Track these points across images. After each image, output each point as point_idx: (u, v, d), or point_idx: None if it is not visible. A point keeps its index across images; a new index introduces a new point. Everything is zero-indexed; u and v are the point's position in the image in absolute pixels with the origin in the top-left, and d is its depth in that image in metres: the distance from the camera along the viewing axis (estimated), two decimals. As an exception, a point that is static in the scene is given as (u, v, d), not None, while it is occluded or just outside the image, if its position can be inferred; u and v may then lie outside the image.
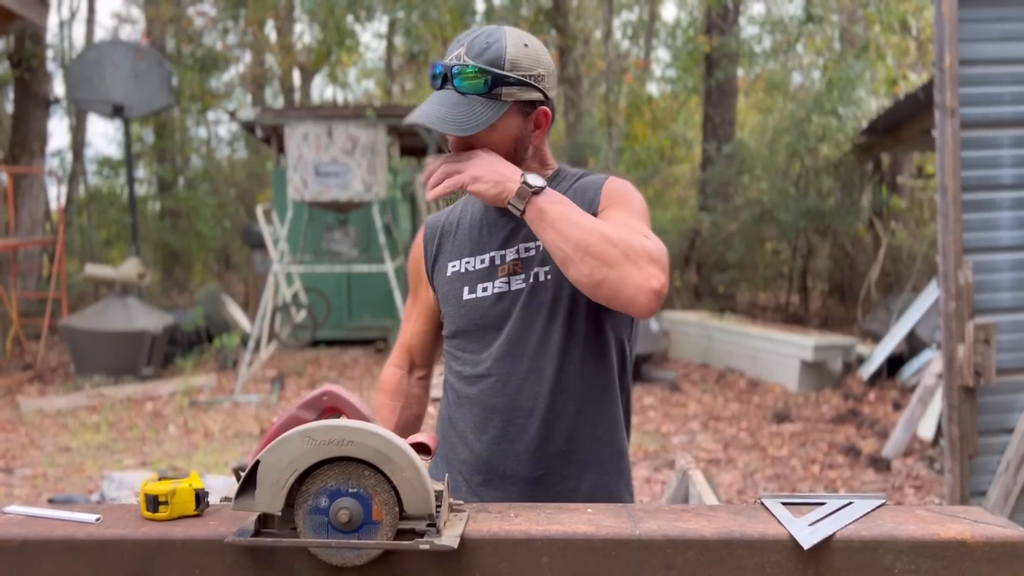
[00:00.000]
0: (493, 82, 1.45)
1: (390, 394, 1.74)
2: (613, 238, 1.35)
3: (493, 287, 1.56)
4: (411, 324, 1.75)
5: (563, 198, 1.43)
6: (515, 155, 1.52)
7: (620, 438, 1.62)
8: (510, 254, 1.57)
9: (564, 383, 1.53)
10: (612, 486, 1.59)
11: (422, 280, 1.70)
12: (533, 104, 1.51)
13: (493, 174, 1.41)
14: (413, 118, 1.45)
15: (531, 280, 1.54)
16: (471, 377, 1.58)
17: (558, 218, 1.38)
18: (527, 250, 1.55)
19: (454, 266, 1.62)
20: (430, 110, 1.45)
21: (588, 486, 1.55)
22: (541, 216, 1.39)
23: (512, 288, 1.55)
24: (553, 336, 1.52)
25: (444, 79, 1.47)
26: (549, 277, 1.53)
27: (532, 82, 1.48)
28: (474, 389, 1.57)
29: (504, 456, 1.54)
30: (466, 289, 1.58)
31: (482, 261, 1.59)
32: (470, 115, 1.44)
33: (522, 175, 1.41)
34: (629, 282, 1.33)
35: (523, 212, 1.40)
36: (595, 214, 1.51)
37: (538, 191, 1.40)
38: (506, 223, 1.59)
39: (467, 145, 1.48)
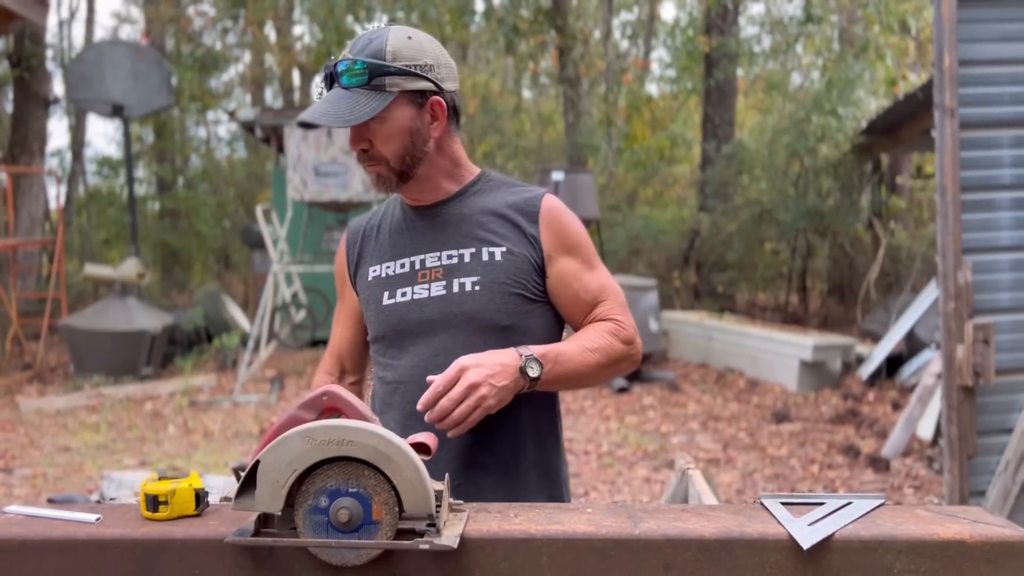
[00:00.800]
0: (373, 72, 1.45)
1: None
2: (603, 361, 1.52)
3: (413, 292, 1.55)
4: (340, 329, 1.73)
5: (557, 355, 1.46)
6: (413, 148, 1.51)
7: (544, 450, 1.60)
8: (431, 260, 1.56)
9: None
10: (527, 499, 1.54)
11: (347, 285, 1.69)
12: (424, 95, 1.50)
13: (502, 387, 1.39)
14: (300, 117, 1.47)
15: (454, 288, 1.52)
16: (393, 383, 1.57)
17: (564, 378, 1.48)
18: (450, 258, 1.54)
19: (375, 271, 1.61)
20: (315, 107, 1.46)
21: (503, 497, 1.50)
22: (550, 386, 1.48)
23: (432, 295, 1.53)
24: (480, 347, 1.48)
25: (331, 80, 1.48)
26: (478, 289, 1.51)
27: (418, 71, 1.48)
28: (396, 396, 1.56)
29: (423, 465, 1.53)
30: (386, 294, 1.57)
31: (402, 266, 1.58)
32: (353, 107, 1.44)
33: (519, 368, 1.41)
34: (623, 371, 1.60)
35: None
36: (536, 242, 1.54)
37: (539, 374, 1.43)
38: (428, 228, 1.59)
39: (363, 139, 1.49)
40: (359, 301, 1.66)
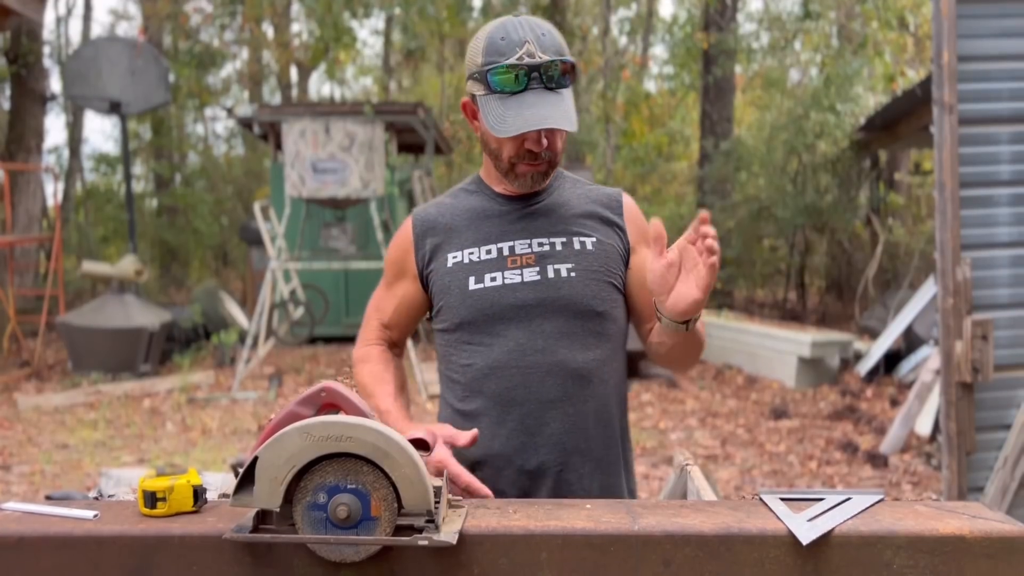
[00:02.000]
0: (574, 73, 1.48)
1: (380, 361, 1.66)
2: (702, 341, 1.54)
3: (503, 277, 1.54)
4: (387, 309, 1.67)
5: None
6: (563, 148, 1.55)
7: (627, 438, 1.63)
8: (520, 247, 1.55)
9: (586, 378, 1.53)
10: (618, 487, 1.59)
11: (408, 273, 1.64)
12: None
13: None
14: (541, 125, 1.42)
15: (548, 274, 1.53)
16: (483, 368, 1.54)
17: (697, 335, 1.49)
18: (541, 245, 1.55)
19: (455, 257, 1.58)
20: (546, 113, 1.43)
21: (599, 484, 1.55)
22: (696, 335, 1.48)
23: (525, 280, 1.53)
24: (578, 332, 1.52)
25: (529, 78, 1.44)
26: (574, 275, 1.53)
27: None
28: (489, 381, 1.53)
29: (523, 449, 1.52)
30: (472, 279, 1.55)
31: (488, 252, 1.57)
32: (568, 110, 1.46)
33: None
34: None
35: (687, 328, 1.42)
36: (623, 232, 1.60)
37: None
38: (518, 217, 1.59)
39: (545, 139, 1.49)
40: (425, 292, 1.63)
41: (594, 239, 1.57)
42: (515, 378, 1.51)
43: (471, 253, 1.57)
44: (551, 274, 1.53)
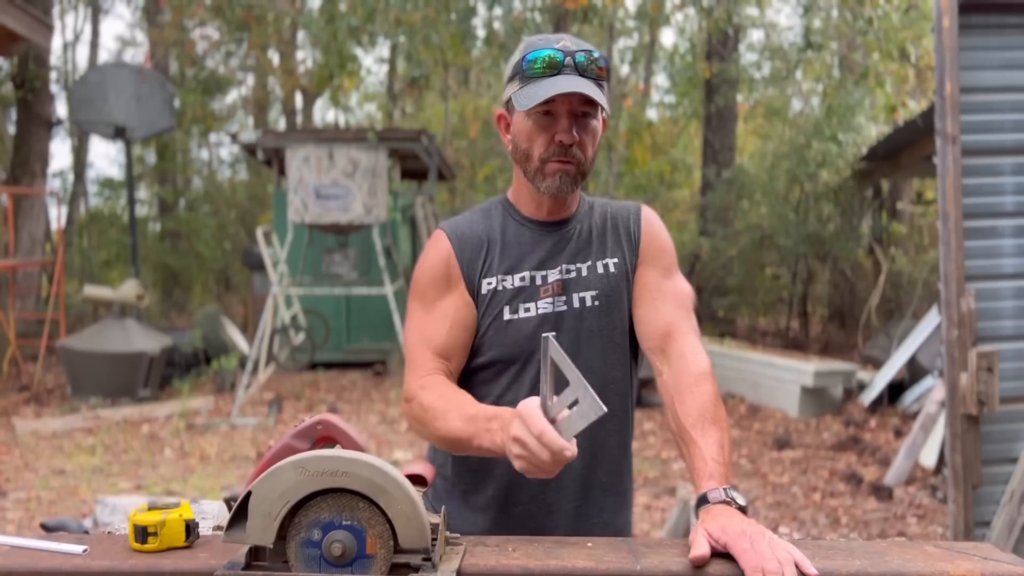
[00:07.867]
0: (607, 74, 1.44)
1: (447, 385, 1.44)
2: (730, 437, 1.36)
3: (537, 308, 1.47)
4: (438, 335, 1.47)
5: (728, 469, 1.28)
6: (595, 157, 1.48)
7: (631, 471, 1.60)
8: (552, 275, 1.49)
9: (609, 414, 1.48)
10: (629, 523, 1.56)
11: (454, 284, 1.49)
12: (603, 111, 1.48)
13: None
14: (569, 88, 1.37)
15: (575, 304, 1.48)
16: (512, 404, 1.41)
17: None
18: (568, 271, 1.50)
19: (489, 283, 1.49)
20: (570, 84, 1.37)
21: (621, 520, 1.52)
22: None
23: (555, 310, 1.47)
24: (600, 365, 1.47)
25: (561, 65, 1.40)
26: (597, 303, 1.48)
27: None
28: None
29: (544, 485, 1.45)
30: (507, 309, 1.47)
31: (522, 279, 1.49)
32: (600, 96, 1.41)
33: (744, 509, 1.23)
34: None
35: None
36: (635, 248, 1.53)
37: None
38: (547, 243, 1.51)
39: (575, 132, 1.41)
40: (475, 306, 1.50)
41: (616, 260, 1.52)
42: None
43: (504, 280, 1.49)
44: (576, 303, 1.48)
